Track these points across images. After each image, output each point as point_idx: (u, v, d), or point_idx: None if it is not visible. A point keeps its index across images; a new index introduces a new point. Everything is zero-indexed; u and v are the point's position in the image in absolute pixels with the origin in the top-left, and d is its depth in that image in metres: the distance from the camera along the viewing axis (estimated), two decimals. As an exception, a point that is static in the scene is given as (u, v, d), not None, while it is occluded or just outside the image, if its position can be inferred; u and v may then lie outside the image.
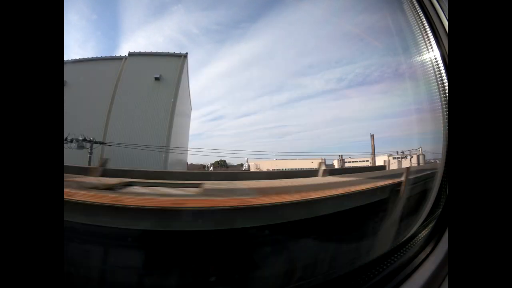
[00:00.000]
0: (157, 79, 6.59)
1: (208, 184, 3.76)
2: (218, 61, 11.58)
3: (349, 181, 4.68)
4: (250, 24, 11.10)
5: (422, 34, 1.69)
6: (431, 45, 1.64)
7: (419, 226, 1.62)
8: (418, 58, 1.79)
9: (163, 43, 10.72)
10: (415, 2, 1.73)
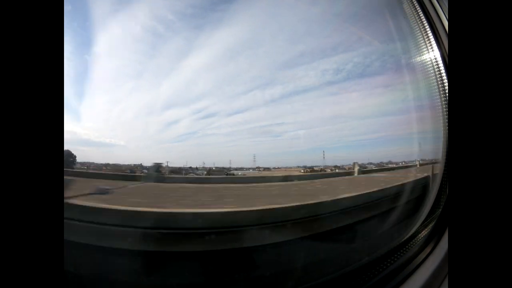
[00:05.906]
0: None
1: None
2: (200, 50, 10.29)
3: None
4: (228, 5, 9.81)
5: (422, 34, 1.69)
6: (431, 45, 1.64)
7: (419, 226, 1.62)
8: (418, 58, 1.79)
9: (140, 32, 9.47)
10: (415, 2, 1.73)
